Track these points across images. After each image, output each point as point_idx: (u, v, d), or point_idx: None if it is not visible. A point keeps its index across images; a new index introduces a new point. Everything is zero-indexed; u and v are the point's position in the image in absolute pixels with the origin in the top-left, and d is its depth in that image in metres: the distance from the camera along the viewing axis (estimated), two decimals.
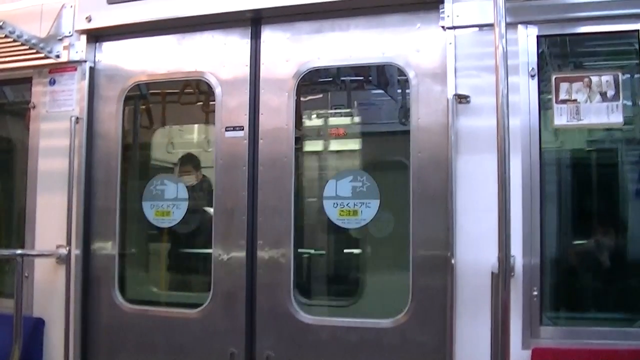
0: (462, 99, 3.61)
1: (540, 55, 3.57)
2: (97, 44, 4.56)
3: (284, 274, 3.97)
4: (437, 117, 3.71)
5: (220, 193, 4.15)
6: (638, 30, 3.50)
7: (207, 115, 4.70)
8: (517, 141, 3.45)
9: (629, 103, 3.70)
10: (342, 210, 3.93)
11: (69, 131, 4.35)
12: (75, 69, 4.51)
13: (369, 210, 3.89)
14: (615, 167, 4.05)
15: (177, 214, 4.35)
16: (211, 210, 4.22)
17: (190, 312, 4.18)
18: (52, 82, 4.56)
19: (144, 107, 4.95)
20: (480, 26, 3.65)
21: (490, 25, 3.26)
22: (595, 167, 4.22)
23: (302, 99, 4.47)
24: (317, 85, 4.65)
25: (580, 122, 3.47)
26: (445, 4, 3.70)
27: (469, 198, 3.56)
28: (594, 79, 3.47)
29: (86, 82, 4.47)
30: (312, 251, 4.75)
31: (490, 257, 3.29)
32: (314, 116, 4.88)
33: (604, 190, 4.11)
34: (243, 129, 4.11)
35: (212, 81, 4.24)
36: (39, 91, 4.60)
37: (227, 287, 4.08)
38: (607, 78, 3.45)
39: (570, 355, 3.33)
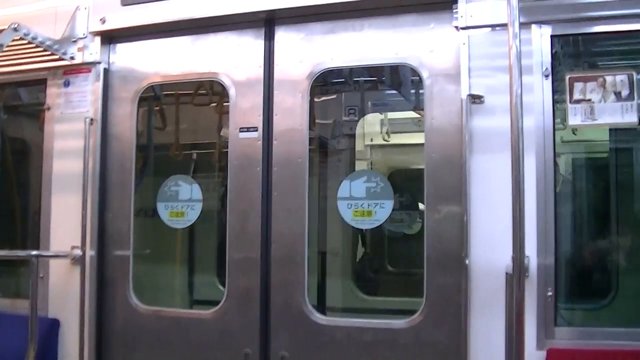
0: (476, 99, 3.60)
1: (554, 55, 3.56)
2: (111, 45, 4.57)
3: (298, 274, 3.97)
4: (451, 118, 3.69)
5: (234, 194, 4.15)
6: None
7: (221, 116, 4.71)
8: (532, 141, 3.44)
9: None
10: (356, 211, 3.94)
11: (84, 132, 4.36)
12: (90, 71, 4.52)
13: (383, 210, 3.90)
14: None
15: (192, 214, 4.36)
16: None
17: (205, 312, 4.19)
18: (67, 84, 4.57)
19: (157, 108, 4.97)
20: (494, 26, 3.63)
21: (504, 25, 3.24)
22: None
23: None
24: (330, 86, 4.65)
25: (594, 122, 3.45)
26: (459, 4, 3.68)
27: (483, 198, 3.55)
28: (609, 78, 3.44)
29: (100, 83, 4.47)
30: None
31: (504, 257, 3.28)
32: None
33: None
34: (257, 130, 4.11)
35: (226, 82, 4.24)
36: (54, 93, 4.61)
37: (242, 288, 4.08)
38: (621, 77, 3.43)
39: (585, 356, 3.32)
